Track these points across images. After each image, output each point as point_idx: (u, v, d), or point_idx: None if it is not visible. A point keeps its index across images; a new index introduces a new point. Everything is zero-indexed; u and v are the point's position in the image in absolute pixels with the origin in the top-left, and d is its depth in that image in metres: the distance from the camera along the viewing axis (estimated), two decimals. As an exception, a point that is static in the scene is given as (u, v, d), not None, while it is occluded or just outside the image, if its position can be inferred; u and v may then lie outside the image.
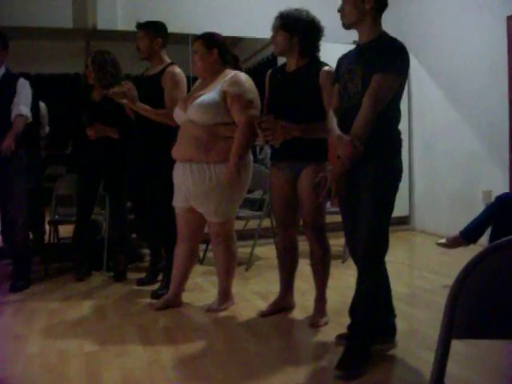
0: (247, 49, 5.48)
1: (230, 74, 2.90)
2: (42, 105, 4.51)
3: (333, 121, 2.36)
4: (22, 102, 3.53)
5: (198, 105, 2.84)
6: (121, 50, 4.19)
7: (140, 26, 3.40)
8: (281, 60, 3.18)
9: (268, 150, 4.44)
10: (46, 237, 4.29)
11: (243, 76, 2.89)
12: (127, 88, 3.11)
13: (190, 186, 2.92)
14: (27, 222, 3.68)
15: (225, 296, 3.14)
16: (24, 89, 3.57)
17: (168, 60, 3.43)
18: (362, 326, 2.33)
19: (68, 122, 4.31)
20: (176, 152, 2.96)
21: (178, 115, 2.97)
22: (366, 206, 2.25)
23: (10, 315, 3.12)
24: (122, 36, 4.79)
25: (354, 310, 2.41)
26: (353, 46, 2.41)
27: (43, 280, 3.85)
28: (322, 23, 2.75)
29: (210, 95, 2.84)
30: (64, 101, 4.41)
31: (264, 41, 4.59)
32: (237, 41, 5.00)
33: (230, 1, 5.16)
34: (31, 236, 4.00)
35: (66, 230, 4.30)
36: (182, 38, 4.53)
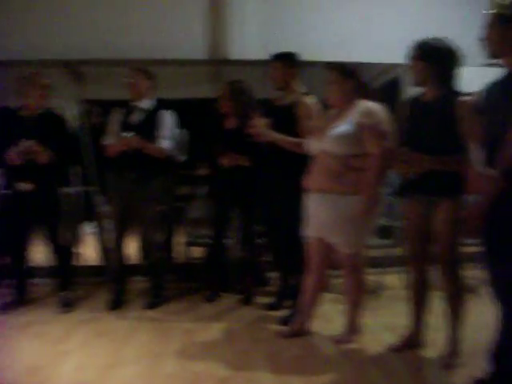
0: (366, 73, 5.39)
1: (364, 104, 2.88)
2: (184, 131, 4.76)
3: (475, 154, 2.26)
4: (165, 136, 3.78)
5: (333, 136, 2.85)
6: (250, 75, 4.34)
7: (275, 57, 3.49)
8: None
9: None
10: (181, 256, 4.51)
11: (377, 107, 2.87)
12: (265, 123, 3.25)
13: (321, 216, 2.94)
14: (162, 241, 3.92)
15: (353, 327, 3.10)
16: (166, 121, 3.82)
17: (301, 89, 3.49)
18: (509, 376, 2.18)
19: (198, 145, 4.50)
20: (308, 182, 3.00)
21: (313, 145, 3.00)
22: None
23: (146, 332, 3.31)
24: (250, 61, 4.93)
25: (498, 355, 2.26)
26: (487, 69, 2.31)
27: (176, 299, 4.03)
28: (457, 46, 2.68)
29: (344, 126, 2.85)
30: (192, 125, 4.61)
31: (383, 65, 4.49)
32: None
33: (359, 28, 5.09)
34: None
35: (196, 250, 4.50)
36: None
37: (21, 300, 3.85)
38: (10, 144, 3.58)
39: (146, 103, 3.85)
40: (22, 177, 3.67)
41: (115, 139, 3.76)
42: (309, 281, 3.13)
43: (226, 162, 3.79)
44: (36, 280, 4.29)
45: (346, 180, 2.84)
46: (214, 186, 4.07)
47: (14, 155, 3.56)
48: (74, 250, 4.28)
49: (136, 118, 3.81)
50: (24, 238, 3.83)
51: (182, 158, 4.74)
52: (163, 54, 4.84)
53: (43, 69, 4.14)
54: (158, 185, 3.79)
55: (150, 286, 3.92)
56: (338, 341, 3.05)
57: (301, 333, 3.17)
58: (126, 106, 3.88)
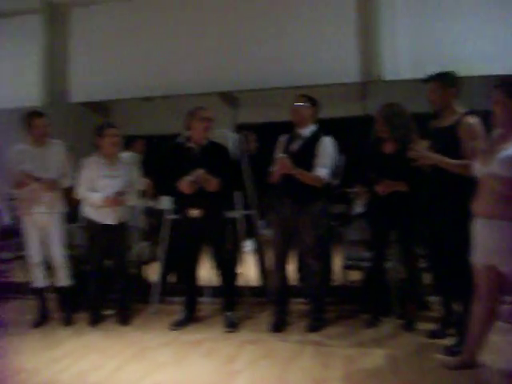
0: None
1: None
2: (342, 157, 4.79)
3: None
4: (324, 164, 3.81)
5: (502, 159, 2.69)
6: (404, 93, 4.25)
7: (432, 78, 3.40)
8: None
9: None
10: (339, 279, 4.53)
11: None
12: (426, 145, 3.18)
13: (489, 243, 2.78)
14: (320, 265, 3.97)
15: None
16: (326, 148, 3.84)
17: (462, 110, 3.35)
18: None
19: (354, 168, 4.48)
20: (476, 207, 2.86)
21: (478, 168, 2.86)
22: None
23: (308, 356, 3.37)
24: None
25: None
26: None
27: (335, 322, 4.05)
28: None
29: None
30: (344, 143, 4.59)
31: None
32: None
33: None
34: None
35: (353, 273, 4.50)
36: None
37: (190, 317, 4.14)
38: (179, 174, 3.91)
39: (307, 130, 3.92)
40: (191, 204, 3.98)
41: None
42: (478, 309, 2.96)
43: (381, 189, 3.73)
44: (203, 299, 4.60)
45: None
46: (371, 208, 4.03)
47: (185, 184, 3.87)
48: (237, 271, 4.53)
49: (296, 145, 3.91)
50: (194, 259, 4.13)
51: (335, 181, 4.78)
52: (316, 79, 4.93)
53: (205, 101, 4.51)
54: (315, 210, 3.85)
55: (311, 309, 3.97)
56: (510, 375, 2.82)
57: (470, 365, 3.00)
58: (290, 132, 3.98)
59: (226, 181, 3.94)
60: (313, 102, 3.95)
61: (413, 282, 3.88)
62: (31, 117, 4.19)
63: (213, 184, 3.85)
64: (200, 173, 3.83)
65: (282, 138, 4.02)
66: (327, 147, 3.86)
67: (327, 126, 3.96)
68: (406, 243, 3.85)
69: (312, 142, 3.87)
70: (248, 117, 6.27)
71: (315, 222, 3.85)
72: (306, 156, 3.82)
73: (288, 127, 3.97)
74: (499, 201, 2.71)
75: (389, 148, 3.81)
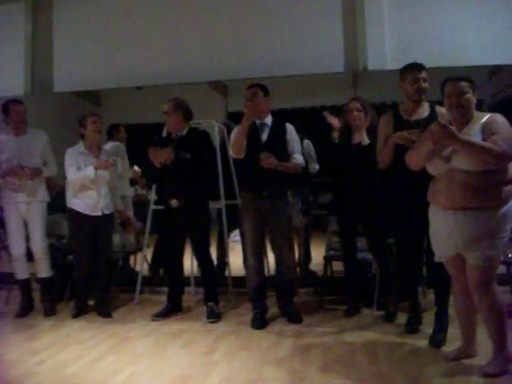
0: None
1: None
2: (307, 142, 4.80)
3: None
4: (296, 150, 3.85)
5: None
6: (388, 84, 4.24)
7: (424, 67, 3.39)
8: None
9: None
10: (320, 270, 4.53)
11: None
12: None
13: (461, 234, 2.77)
14: (294, 257, 3.99)
15: (503, 356, 2.79)
16: (293, 136, 3.87)
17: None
18: None
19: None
20: (441, 200, 2.83)
21: (438, 163, 2.86)
22: None
23: (287, 347, 3.35)
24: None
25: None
26: None
27: (316, 312, 4.08)
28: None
29: None
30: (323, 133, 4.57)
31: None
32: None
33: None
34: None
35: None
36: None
37: (172, 308, 4.14)
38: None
39: (268, 120, 3.89)
40: (172, 194, 3.97)
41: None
42: (460, 302, 2.97)
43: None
44: (189, 289, 4.62)
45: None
46: (336, 200, 4.10)
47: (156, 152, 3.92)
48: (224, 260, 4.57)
49: (264, 135, 3.85)
50: (177, 249, 4.11)
51: (316, 167, 4.79)
52: (303, 69, 4.91)
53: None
54: (287, 200, 3.91)
55: (285, 303, 3.95)
56: (486, 374, 2.75)
57: (466, 355, 2.98)
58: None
59: (205, 168, 3.95)
60: (267, 91, 3.88)
61: (386, 273, 3.89)
62: (9, 104, 4.19)
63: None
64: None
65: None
66: (293, 133, 3.90)
67: (315, 114, 3.94)
68: (372, 235, 3.90)
69: (278, 130, 3.86)
70: (239, 105, 6.24)
71: (288, 211, 3.89)
72: (275, 145, 3.80)
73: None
74: (472, 192, 2.70)
75: (361, 138, 3.83)
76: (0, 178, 4.14)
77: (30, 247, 4.25)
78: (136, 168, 5.10)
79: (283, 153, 3.79)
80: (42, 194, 4.27)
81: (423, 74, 3.38)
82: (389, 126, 3.45)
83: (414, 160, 2.99)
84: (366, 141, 3.82)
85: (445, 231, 2.85)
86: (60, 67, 5.59)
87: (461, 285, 2.92)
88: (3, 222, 4.29)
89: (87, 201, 4.10)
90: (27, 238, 4.26)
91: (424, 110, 3.40)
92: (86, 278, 4.19)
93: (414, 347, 3.25)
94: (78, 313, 4.14)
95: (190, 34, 5.29)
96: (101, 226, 4.15)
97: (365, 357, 3.15)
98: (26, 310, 4.24)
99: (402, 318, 3.72)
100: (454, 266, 2.92)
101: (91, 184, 4.06)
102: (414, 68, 3.39)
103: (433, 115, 3.29)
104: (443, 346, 3.21)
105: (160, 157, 3.88)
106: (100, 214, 4.13)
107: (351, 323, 3.79)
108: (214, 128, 4.60)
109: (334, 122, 3.89)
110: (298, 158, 3.85)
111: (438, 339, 3.24)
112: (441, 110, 3.23)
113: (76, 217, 4.13)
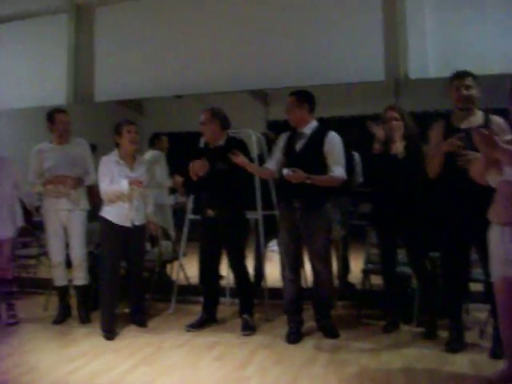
0: None
1: None
2: (356, 154, 4.71)
3: None
4: (336, 162, 3.66)
5: None
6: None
7: (468, 74, 3.29)
8: None
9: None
10: (359, 283, 4.42)
11: None
12: None
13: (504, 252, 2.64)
14: (331, 270, 3.88)
15: None
16: (335, 146, 3.69)
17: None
18: None
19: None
20: (493, 215, 2.72)
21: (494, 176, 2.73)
22: None
23: (322, 363, 3.26)
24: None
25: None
26: None
27: (354, 327, 3.97)
28: None
29: None
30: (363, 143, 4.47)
31: None
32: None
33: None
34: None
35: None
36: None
37: (207, 319, 4.10)
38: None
39: (307, 128, 3.77)
40: (208, 204, 3.96)
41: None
42: (506, 325, 2.82)
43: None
44: (225, 300, 4.61)
45: None
46: (375, 213, 3.97)
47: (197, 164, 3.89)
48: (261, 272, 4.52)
49: (299, 144, 3.76)
50: (213, 259, 4.07)
51: (360, 179, 4.68)
52: (343, 77, 4.83)
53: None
54: (324, 214, 3.73)
55: (319, 315, 3.86)
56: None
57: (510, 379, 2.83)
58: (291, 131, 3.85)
59: (242, 178, 3.89)
60: (305, 97, 3.78)
61: (426, 289, 3.75)
62: (54, 113, 4.27)
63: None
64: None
65: (284, 135, 3.89)
66: (336, 143, 3.70)
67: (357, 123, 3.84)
68: (412, 249, 3.75)
69: (316, 140, 3.71)
70: (279, 114, 6.20)
71: (325, 225, 3.75)
72: (311, 155, 3.68)
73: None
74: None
75: (397, 149, 3.71)
76: (42, 186, 4.22)
77: (69, 254, 4.30)
78: (178, 177, 5.07)
79: (319, 164, 3.66)
80: (84, 203, 4.33)
81: (467, 82, 3.28)
82: (439, 134, 3.36)
83: (473, 171, 2.89)
84: (401, 153, 3.67)
85: (494, 249, 2.73)
86: (101, 77, 5.69)
87: (508, 305, 2.77)
88: (44, 228, 4.36)
89: (119, 210, 4.03)
90: (67, 246, 4.31)
91: (477, 118, 3.28)
92: (111, 287, 3.99)
93: (456, 370, 3.10)
94: (105, 324, 3.93)
95: (230, 43, 5.30)
96: (131, 238, 4.06)
97: (402, 378, 3.02)
98: (63, 317, 4.28)
99: (442, 334, 3.58)
100: (502, 286, 2.76)
101: (124, 198, 4.03)
102: (457, 76, 3.32)
103: (487, 124, 3.16)
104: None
105: (195, 169, 3.86)
106: (130, 225, 4.05)
107: (389, 340, 3.66)
108: (252, 137, 4.56)
109: (379, 133, 3.74)
110: (337, 171, 3.64)
111: (495, 351, 3.15)
112: (496, 119, 3.11)
113: (105, 225, 4.06)
